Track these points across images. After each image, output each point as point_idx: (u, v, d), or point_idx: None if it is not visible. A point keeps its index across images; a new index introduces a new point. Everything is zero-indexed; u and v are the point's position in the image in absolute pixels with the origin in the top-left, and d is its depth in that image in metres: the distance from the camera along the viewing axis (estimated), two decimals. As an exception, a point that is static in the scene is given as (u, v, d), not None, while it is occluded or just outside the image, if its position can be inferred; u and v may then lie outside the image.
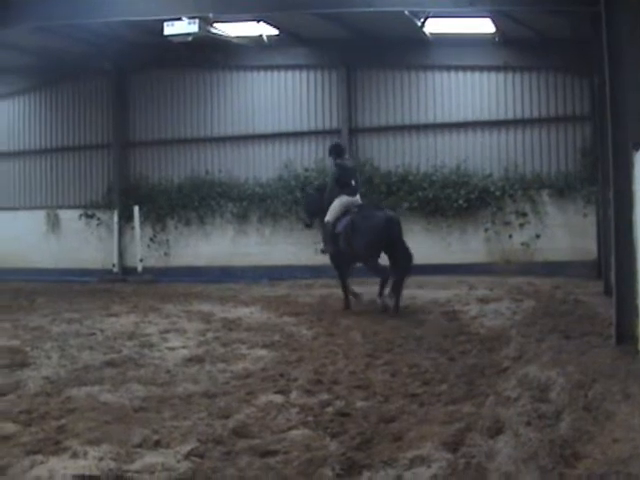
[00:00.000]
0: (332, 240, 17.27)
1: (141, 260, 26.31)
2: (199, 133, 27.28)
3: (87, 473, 6.66)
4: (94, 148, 28.94)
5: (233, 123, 26.88)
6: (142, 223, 26.56)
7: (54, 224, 29.16)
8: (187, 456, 7.02)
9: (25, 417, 8.60)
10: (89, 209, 28.20)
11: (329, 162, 20.87)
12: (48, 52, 26.97)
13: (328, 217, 17.29)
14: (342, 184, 17.51)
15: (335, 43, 25.00)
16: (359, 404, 8.76)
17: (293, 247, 25.31)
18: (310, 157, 25.82)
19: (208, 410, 8.64)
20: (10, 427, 8.22)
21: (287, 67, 26.34)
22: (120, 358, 12.13)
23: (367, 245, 16.61)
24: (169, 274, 25.92)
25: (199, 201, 26.36)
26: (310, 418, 8.21)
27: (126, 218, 27.30)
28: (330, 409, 8.58)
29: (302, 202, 22.39)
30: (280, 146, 26.44)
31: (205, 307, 18.33)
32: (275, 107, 26.45)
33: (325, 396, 9.18)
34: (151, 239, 27.20)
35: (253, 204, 25.86)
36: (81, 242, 28.07)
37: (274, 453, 7.04)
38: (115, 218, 27.57)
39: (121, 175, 28.16)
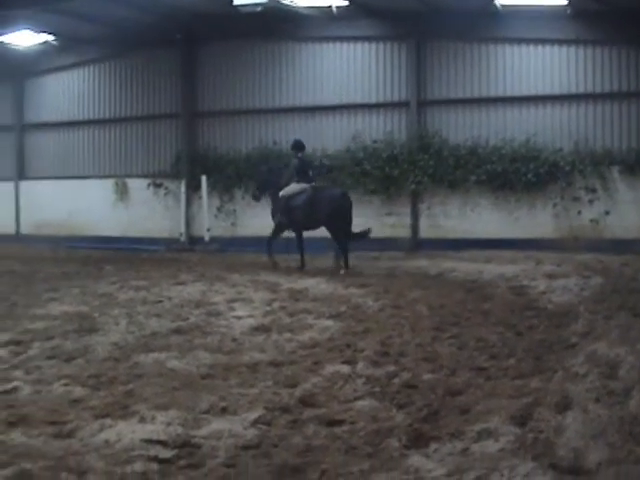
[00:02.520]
0: (283, 212, 20.82)
1: (208, 230, 26.46)
2: (267, 104, 27.30)
3: (155, 438, 6.72)
4: (163, 118, 29.12)
5: (301, 94, 26.85)
6: (209, 193, 26.69)
7: (122, 193, 29.42)
8: (254, 423, 7.05)
9: (94, 381, 8.71)
10: (157, 178, 28.41)
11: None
12: (119, 22, 27.16)
13: (283, 193, 20.83)
14: (301, 173, 21.00)
15: (404, 15, 24.81)
16: (426, 376, 8.73)
17: (359, 219, 25.00)
18: (379, 129, 25.70)
19: (274, 379, 8.68)
20: (79, 391, 8.34)
21: (356, 39, 26.20)
22: (187, 326, 12.24)
23: (328, 213, 20.23)
24: (235, 244, 26.01)
25: (267, 172, 26.42)
26: (377, 389, 8.19)
27: (194, 188, 27.45)
28: (397, 380, 8.55)
29: (255, 179, 23.68)
30: (348, 118, 26.36)
31: (271, 277, 18.42)
32: (343, 79, 26.35)
33: (392, 368, 9.15)
34: (218, 209, 27.33)
35: (320, 175, 25.80)
36: (149, 211, 28.29)
37: (340, 423, 7.04)
38: (183, 188, 27.74)
39: (189, 145, 28.28)
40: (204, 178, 26.51)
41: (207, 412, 7.41)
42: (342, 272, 19.53)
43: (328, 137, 26.17)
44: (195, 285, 17.29)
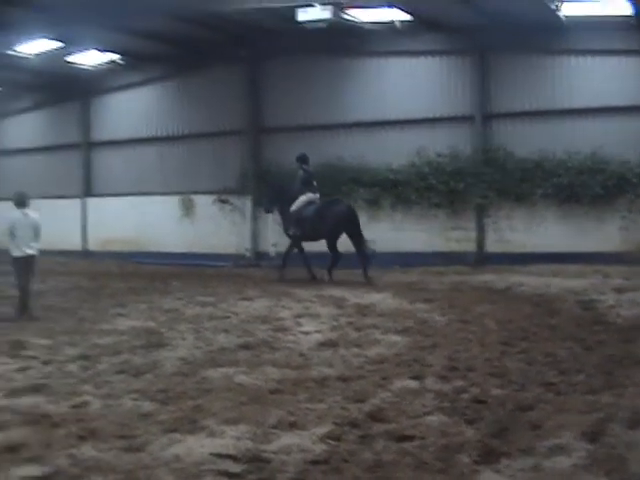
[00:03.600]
0: (297, 224, 21.82)
1: (274, 245, 26.51)
2: (331, 119, 27.29)
3: (224, 452, 6.75)
4: (228, 134, 29.25)
5: (365, 109, 26.80)
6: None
7: (188, 209, 29.61)
8: (323, 438, 7.05)
9: (162, 396, 8.79)
10: (223, 194, 28.51)
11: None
12: (184, 40, 27.37)
13: (294, 207, 21.93)
14: (307, 184, 22.16)
15: (468, 28, 24.65)
16: (494, 392, 8.69)
17: (424, 234, 25.14)
18: (443, 143, 25.49)
19: (343, 394, 8.67)
20: (148, 405, 8.43)
21: (420, 53, 26.11)
22: (254, 341, 12.28)
23: (331, 227, 21.48)
24: (300, 259, 26.00)
25: (331, 187, 26.27)
26: (446, 404, 8.18)
27: (259, 203, 27.48)
28: (466, 396, 8.53)
29: (265, 193, 24.55)
30: (412, 132, 26.24)
31: (337, 292, 18.39)
32: (407, 93, 26.24)
33: (460, 383, 9.12)
34: (283, 224, 27.35)
35: (385, 190, 25.73)
36: (215, 227, 28.40)
37: (410, 438, 7.02)
38: (248, 203, 27.84)
39: (255, 161, 28.39)
40: (270, 194, 26.62)
41: (276, 427, 7.43)
42: (327, 279, 21.29)
43: (392, 152, 26.04)
44: (261, 300, 17.33)
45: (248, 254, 27.68)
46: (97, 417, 7.99)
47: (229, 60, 28.49)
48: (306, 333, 12.95)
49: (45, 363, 10.95)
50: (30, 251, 15.70)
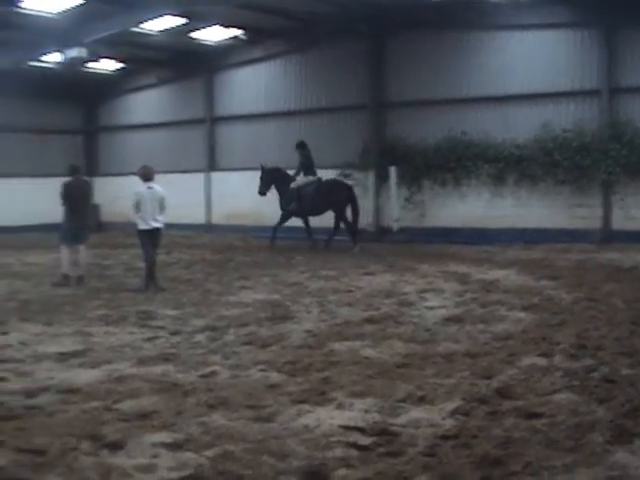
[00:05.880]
0: (296, 200, 24.68)
1: (397, 220, 26.43)
2: (454, 94, 26.96)
3: (353, 424, 6.78)
4: (350, 109, 29.18)
5: (489, 83, 26.39)
6: (398, 184, 26.63)
7: (310, 183, 29.70)
8: (452, 413, 7.03)
9: (290, 368, 8.88)
10: (345, 169, 28.48)
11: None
12: (305, 15, 27.37)
13: (293, 185, 24.87)
14: (307, 167, 24.98)
15: (593, 0, 24.15)
16: (625, 371, 8.52)
17: (548, 210, 24.69)
18: (568, 118, 24.95)
19: (470, 369, 8.63)
20: (276, 376, 8.53)
21: (543, 26, 25.53)
22: (379, 315, 12.31)
23: (332, 200, 24.48)
24: (424, 234, 25.88)
25: (455, 162, 26.07)
26: (575, 382, 8.04)
27: (382, 178, 27.42)
28: (595, 374, 8.38)
29: (261, 175, 26.01)
30: (537, 107, 25.73)
31: (461, 268, 18.28)
32: (531, 67, 25.67)
33: (589, 361, 8.97)
34: (406, 200, 27.15)
35: (509, 166, 25.31)
36: (336, 202, 28.41)
37: (540, 416, 6.94)
38: (371, 178, 27.76)
39: (377, 136, 28.26)
40: (393, 169, 26.47)
41: (404, 401, 7.44)
42: (356, 250, 23.30)
43: (516, 127, 25.62)
44: (384, 275, 17.36)
45: (370, 229, 27.60)
46: (226, 387, 8.12)
47: (350, 35, 28.36)
48: (431, 308, 12.94)
49: (173, 333, 11.19)
50: (156, 224, 16.01)
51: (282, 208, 25.31)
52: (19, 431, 6.74)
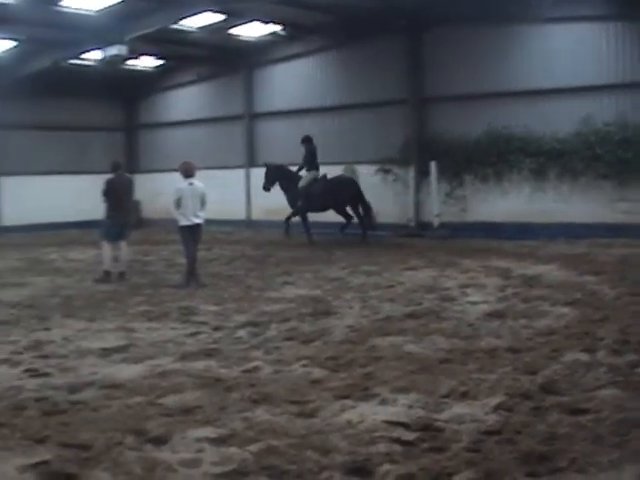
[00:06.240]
0: (304, 198, 25.03)
1: (437, 215, 26.32)
2: (496, 87, 26.78)
3: (396, 420, 6.77)
4: (389, 104, 29.08)
5: (530, 77, 26.16)
6: (438, 179, 26.52)
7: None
8: (495, 409, 7.01)
9: (332, 363, 8.89)
10: (385, 164, 28.43)
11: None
12: (344, 11, 27.31)
13: (302, 183, 25.27)
14: (311, 163, 25.45)
15: (639, -8, 23.92)
16: (670, 367, 8.44)
17: (591, 205, 24.46)
18: (610, 111, 24.73)
19: (513, 365, 8.59)
20: (318, 372, 8.54)
21: (585, 19, 25.24)
22: (421, 310, 12.30)
23: (339, 197, 25.18)
24: (465, 229, 25.76)
25: (496, 156, 25.90)
26: (619, 378, 7.98)
27: (422, 173, 27.32)
28: (639, 370, 8.30)
29: (266, 172, 26.59)
30: (578, 100, 25.48)
31: (502, 263, 18.18)
32: (572, 60, 25.41)
33: (633, 357, 8.91)
34: (447, 194, 27.04)
35: (551, 160, 25.09)
36: (377, 197, 28.26)
37: (584, 411, 6.91)
38: (411, 173, 27.66)
39: (417, 130, 28.16)
40: (433, 164, 26.35)
41: (447, 396, 7.43)
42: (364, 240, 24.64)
43: (558, 120, 25.39)
44: (426, 270, 17.33)
45: (411, 224, 27.53)
46: (269, 382, 8.15)
47: (389, 29, 28.24)
48: (473, 303, 12.90)
49: (215, 329, 11.25)
50: (197, 220, 16.08)
51: (291, 206, 25.80)
52: (64, 426, 6.81)
